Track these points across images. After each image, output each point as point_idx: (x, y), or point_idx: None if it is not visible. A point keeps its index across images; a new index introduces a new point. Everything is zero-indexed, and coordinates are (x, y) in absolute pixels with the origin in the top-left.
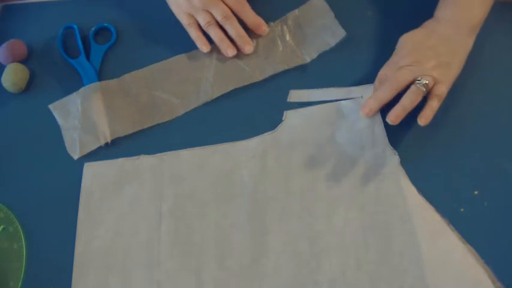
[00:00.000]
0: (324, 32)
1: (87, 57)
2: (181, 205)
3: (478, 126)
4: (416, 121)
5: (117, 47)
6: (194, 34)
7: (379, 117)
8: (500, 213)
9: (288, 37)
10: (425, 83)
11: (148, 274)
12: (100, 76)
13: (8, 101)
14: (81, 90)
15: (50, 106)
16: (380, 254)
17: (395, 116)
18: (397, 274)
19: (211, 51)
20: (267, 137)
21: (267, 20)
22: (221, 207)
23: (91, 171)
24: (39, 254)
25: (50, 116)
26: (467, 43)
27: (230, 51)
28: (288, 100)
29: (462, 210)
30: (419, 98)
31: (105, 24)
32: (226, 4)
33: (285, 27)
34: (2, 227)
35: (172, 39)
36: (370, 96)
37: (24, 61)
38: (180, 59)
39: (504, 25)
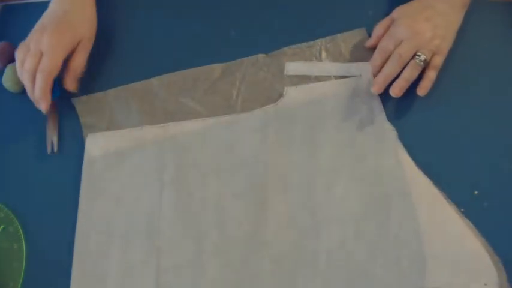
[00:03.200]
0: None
1: None
2: (183, 175)
3: (478, 126)
4: (416, 124)
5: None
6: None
7: (377, 97)
8: (500, 214)
9: (323, 57)
10: (425, 59)
11: (149, 242)
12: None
13: (8, 101)
14: (111, 91)
15: (73, 100)
16: (378, 226)
17: (399, 88)
18: (395, 245)
19: (244, 65)
20: (268, 110)
21: (304, 39)
22: (222, 177)
23: (94, 141)
24: (39, 254)
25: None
26: (458, 18)
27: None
28: (285, 74)
29: (462, 210)
30: (418, 72)
31: None
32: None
33: (323, 49)
34: (2, 227)
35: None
36: (379, 74)
37: None
38: (214, 68)
39: (504, 25)
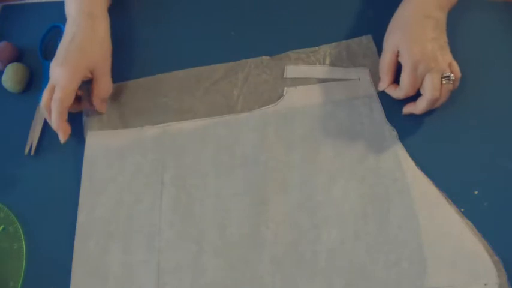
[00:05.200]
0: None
1: None
2: (183, 175)
3: (478, 126)
4: (416, 124)
5: None
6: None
7: (377, 98)
8: (500, 214)
9: (327, 62)
10: (453, 76)
11: (149, 242)
12: None
13: (8, 101)
14: (114, 85)
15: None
16: (378, 226)
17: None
18: (395, 246)
19: (247, 67)
20: (267, 110)
21: (308, 43)
22: (222, 177)
23: (94, 140)
24: (39, 254)
25: None
26: (445, 19)
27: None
28: (284, 76)
29: (462, 210)
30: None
31: None
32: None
33: (327, 55)
34: (2, 227)
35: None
36: (416, 107)
37: (24, 61)
38: (217, 68)
39: (504, 25)
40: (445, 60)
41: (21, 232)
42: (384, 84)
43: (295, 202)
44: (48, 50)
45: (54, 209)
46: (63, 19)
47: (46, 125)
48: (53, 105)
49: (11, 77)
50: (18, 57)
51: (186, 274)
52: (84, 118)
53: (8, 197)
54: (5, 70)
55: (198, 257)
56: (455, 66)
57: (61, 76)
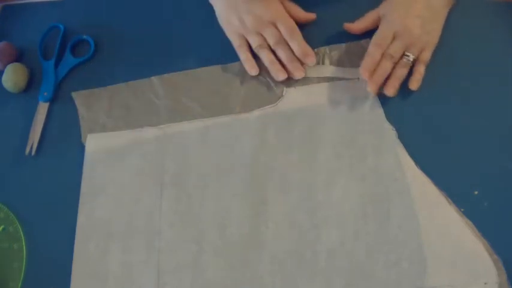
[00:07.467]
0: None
1: (56, 63)
2: (182, 175)
3: (478, 126)
4: (416, 124)
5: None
6: (244, 56)
7: (376, 98)
8: (500, 214)
9: (326, 63)
10: (413, 58)
11: (149, 242)
12: (58, 88)
13: (8, 100)
14: (111, 87)
15: (73, 94)
16: (378, 226)
17: (394, 88)
18: (395, 246)
19: (243, 70)
20: (267, 110)
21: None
22: (222, 178)
23: (94, 141)
24: (39, 254)
25: (50, 115)
26: (444, 13)
27: (281, 75)
28: None
29: (462, 210)
30: (408, 70)
31: (86, 38)
32: (278, 29)
33: (326, 57)
34: (2, 227)
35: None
36: (374, 73)
37: (24, 61)
38: (215, 70)
39: (504, 25)
40: (420, 40)
41: (21, 232)
42: (354, 26)
43: (295, 202)
44: (48, 50)
45: (54, 209)
46: (63, 19)
47: (46, 125)
48: (293, 35)
49: (11, 77)
50: (18, 57)
51: (186, 274)
52: (82, 121)
53: (8, 197)
54: (5, 70)
55: (198, 257)
56: (426, 54)
57: (277, 11)
